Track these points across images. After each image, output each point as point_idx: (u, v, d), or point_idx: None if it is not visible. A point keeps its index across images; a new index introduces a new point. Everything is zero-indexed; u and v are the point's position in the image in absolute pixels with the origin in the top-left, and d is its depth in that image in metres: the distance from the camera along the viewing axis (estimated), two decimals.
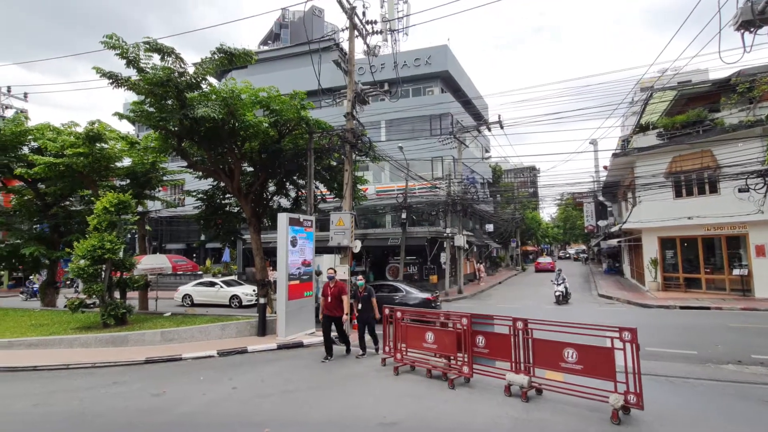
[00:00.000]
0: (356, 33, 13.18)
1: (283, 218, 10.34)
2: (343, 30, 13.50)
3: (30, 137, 15.05)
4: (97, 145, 13.69)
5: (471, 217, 30.03)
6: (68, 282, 26.13)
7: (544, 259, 43.82)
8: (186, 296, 19.35)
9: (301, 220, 11.02)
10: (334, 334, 8.72)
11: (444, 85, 29.63)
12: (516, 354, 5.99)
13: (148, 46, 9.90)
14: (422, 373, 7.15)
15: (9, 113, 17.51)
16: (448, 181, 23.06)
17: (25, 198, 16.68)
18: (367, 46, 13.98)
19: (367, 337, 9.08)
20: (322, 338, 10.12)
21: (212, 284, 19.51)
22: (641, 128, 20.95)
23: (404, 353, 7.39)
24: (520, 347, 5.98)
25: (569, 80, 32.00)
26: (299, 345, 9.71)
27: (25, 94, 18.53)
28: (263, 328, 10.31)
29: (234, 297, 18.77)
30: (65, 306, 10.92)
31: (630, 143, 22.53)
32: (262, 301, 10.70)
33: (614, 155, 21.93)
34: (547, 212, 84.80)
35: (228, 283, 19.60)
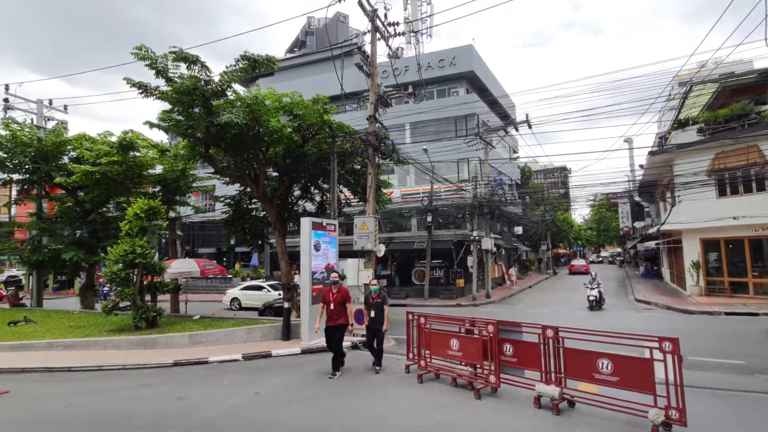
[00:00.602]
0: (378, 36, 13.12)
1: (306, 223, 10.35)
2: (365, 33, 13.49)
3: (69, 147, 15.83)
4: (130, 153, 14.21)
5: (499, 220, 29.35)
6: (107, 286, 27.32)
7: (578, 262, 44.08)
8: (234, 300, 19.61)
9: (324, 224, 11.00)
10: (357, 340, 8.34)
11: (469, 85, 29.18)
12: (546, 363, 5.67)
13: (174, 55, 10.18)
14: (447, 381, 6.91)
15: (50, 125, 18.49)
16: (474, 183, 22.61)
17: (66, 205, 17.55)
18: (390, 48, 13.90)
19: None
20: (346, 343, 10.06)
21: (259, 288, 19.64)
22: (680, 124, 19.86)
23: (428, 360, 7.17)
24: (551, 356, 5.66)
25: (601, 75, 30.89)
26: (323, 350, 9.60)
27: (65, 107, 19.56)
28: (287, 332, 10.33)
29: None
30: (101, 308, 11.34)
31: (668, 140, 21.39)
32: (286, 305, 10.73)
33: (651, 153, 20.89)
34: (580, 213, 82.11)
35: (274, 287, 19.68)
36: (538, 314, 16.15)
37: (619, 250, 71.86)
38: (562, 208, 45.83)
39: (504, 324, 6.31)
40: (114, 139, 14.82)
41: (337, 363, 7.61)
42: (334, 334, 7.54)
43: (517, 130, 21.74)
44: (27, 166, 15.82)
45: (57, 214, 17.85)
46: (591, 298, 16.90)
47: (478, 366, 6.50)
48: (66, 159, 16.51)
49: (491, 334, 6.20)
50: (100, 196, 16.41)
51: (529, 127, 20.59)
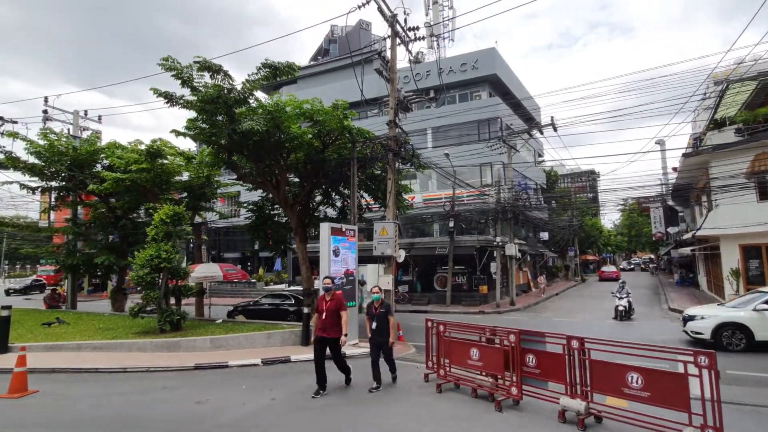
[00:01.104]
0: (398, 41, 13.10)
1: (325, 228, 10.36)
2: (384, 38, 13.48)
3: (102, 156, 16.50)
4: (158, 160, 14.68)
5: (523, 225, 28.66)
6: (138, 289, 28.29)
7: (608, 268, 44.04)
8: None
9: (344, 229, 10.98)
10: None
11: (492, 88, 28.79)
12: (571, 376, 5.40)
13: (198, 65, 10.44)
14: (467, 392, 6.70)
15: (86, 135, 19.36)
16: (497, 187, 22.20)
17: (99, 211, 18.26)
18: (410, 52, 13.85)
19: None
20: (365, 350, 9.96)
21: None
22: (716, 124, 18.91)
23: (448, 370, 6.98)
24: (576, 368, 5.38)
25: (630, 74, 29.86)
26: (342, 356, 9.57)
27: (100, 117, 20.47)
28: (307, 337, 10.31)
29: None
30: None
31: (703, 141, 20.40)
32: (306, 310, 10.74)
33: (685, 155, 19.95)
34: (609, 218, 79.41)
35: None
36: (565, 323, 15.60)
37: (652, 256, 69.00)
38: (591, 213, 44.44)
39: (526, 333, 6.06)
40: (143, 147, 15.35)
41: (323, 380, 6.80)
42: (326, 347, 6.78)
43: (541, 133, 21.23)
44: (63, 174, 16.57)
45: (91, 219, 18.61)
46: (620, 308, 16.05)
47: (499, 377, 6.27)
48: (99, 167, 17.21)
49: (513, 344, 5.97)
50: (130, 203, 17.00)
51: (555, 129, 20.09)
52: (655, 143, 26.06)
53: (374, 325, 7.08)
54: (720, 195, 17.35)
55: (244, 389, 7.20)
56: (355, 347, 10.29)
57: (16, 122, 19.80)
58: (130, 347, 9.80)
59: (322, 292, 7.08)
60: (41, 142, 15.72)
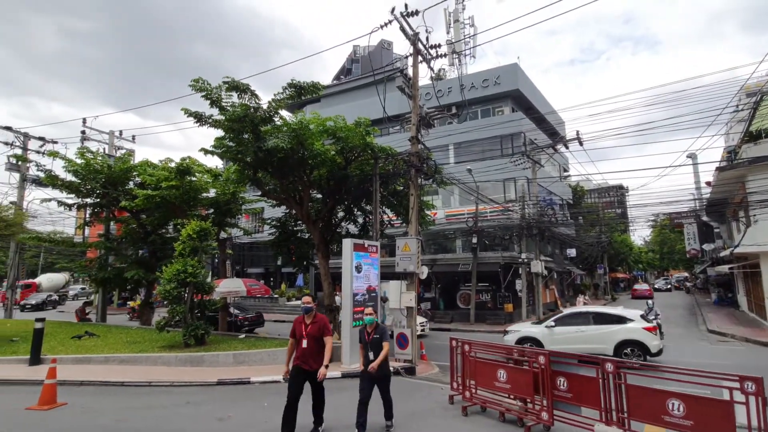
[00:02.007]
0: (420, 58, 13.23)
1: (347, 244, 10.35)
2: (407, 57, 13.62)
3: (135, 173, 17.15)
4: (187, 178, 15.13)
5: (549, 241, 27.95)
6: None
7: (641, 286, 43.41)
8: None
9: (366, 245, 10.95)
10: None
11: (515, 104, 28.63)
12: (606, 401, 5.10)
13: (227, 85, 10.80)
14: (494, 415, 6.42)
15: (120, 153, 20.24)
16: (522, 203, 21.80)
17: (130, 227, 18.90)
18: (432, 70, 13.93)
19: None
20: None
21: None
22: (752, 137, 18.14)
23: (473, 391, 6.73)
24: (611, 393, 5.08)
25: (657, 87, 29.12)
26: None
27: (133, 137, 21.43)
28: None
29: None
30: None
31: (738, 154, 19.55)
32: None
33: (719, 169, 19.15)
34: (639, 235, 76.66)
35: None
36: None
37: (686, 274, 65.91)
38: (619, 229, 43.00)
39: (557, 355, 5.80)
40: (173, 165, 15.89)
41: (290, 423, 5.39)
42: (305, 380, 5.53)
43: (567, 147, 20.82)
44: (98, 191, 17.29)
45: (122, 235, 19.27)
46: None
47: (529, 400, 5.98)
48: (131, 184, 17.89)
49: (543, 366, 5.71)
50: (159, 219, 17.53)
51: (581, 143, 19.67)
52: (687, 157, 25.17)
53: (370, 354, 5.77)
54: (759, 210, 16.48)
55: (266, 407, 7.13)
56: None
57: (56, 142, 20.97)
58: (155, 361, 9.93)
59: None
60: (78, 161, 16.49)
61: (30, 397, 7.27)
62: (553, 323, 12.12)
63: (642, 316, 12.34)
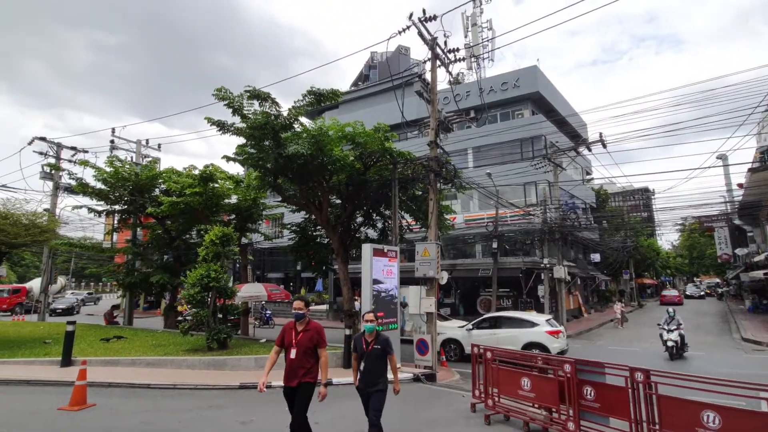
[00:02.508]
0: (438, 63, 13.21)
1: (367, 249, 10.36)
2: (425, 61, 13.63)
3: (160, 181, 17.67)
4: (210, 184, 15.49)
5: (572, 246, 27.33)
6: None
7: (670, 292, 42.43)
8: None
9: (385, 250, 10.94)
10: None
11: (535, 106, 28.24)
12: (636, 412, 4.91)
13: (249, 93, 11.03)
14: (518, 424, 6.27)
15: (146, 161, 20.90)
16: (543, 207, 21.41)
17: (156, 233, 19.45)
18: (450, 74, 13.89)
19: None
20: (407, 375, 9.70)
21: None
22: None
23: (496, 400, 6.60)
24: (641, 404, 4.89)
25: (684, 86, 28.27)
26: None
27: (159, 146, 22.12)
28: (348, 359, 10.21)
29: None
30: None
31: None
32: (347, 332, 10.67)
33: (752, 170, 18.41)
34: (667, 239, 74.11)
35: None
36: (624, 353, 14.49)
37: (717, 280, 63.24)
38: (646, 234, 41.67)
39: (583, 363, 5.63)
40: (196, 172, 16.30)
41: None
42: (294, 398, 4.77)
43: (589, 150, 20.37)
44: (126, 198, 17.88)
45: (148, 240, 19.83)
46: (669, 343, 13.01)
47: (554, 410, 5.83)
48: (157, 191, 18.44)
49: (568, 375, 5.55)
50: (183, 224, 17.99)
51: (604, 146, 19.22)
52: (717, 158, 24.25)
53: (362, 365, 4.82)
54: None
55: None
56: (397, 372, 10.03)
57: (87, 152, 21.81)
58: (180, 364, 10.13)
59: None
60: (108, 170, 17.11)
61: (61, 397, 7.51)
62: (471, 326, 13.66)
63: (547, 321, 12.64)
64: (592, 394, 5.40)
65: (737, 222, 29.52)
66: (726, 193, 29.11)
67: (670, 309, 14.20)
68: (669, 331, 13.22)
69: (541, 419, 6.00)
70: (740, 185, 23.94)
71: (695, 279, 72.54)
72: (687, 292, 50.22)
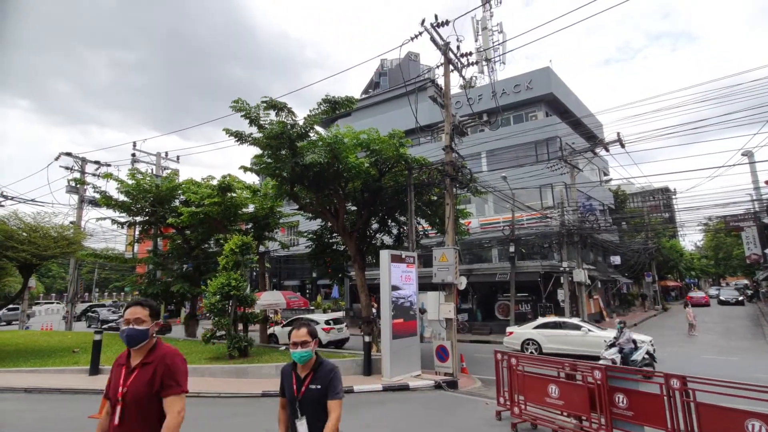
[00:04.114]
0: (451, 67, 13.20)
1: (385, 255, 10.32)
2: (438, 66, 13.63)
3: (179, 192, 18.00)
4: (228, 194, 15.71)
5: (592, 249, 26.78)
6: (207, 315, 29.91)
7: (696, 294, 40.74)
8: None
9: (403, 256, 10.88)
10: None
11: (549, 108, 27.93)
12: (673, 421, 4.73)
13: (265, 104, 11.18)
14: None
15: (166, 173, 21.36)
16: (561, 209, 21.06)
17: (176, 242, 19.78)
18: (463, 78, 13.86)
19: None
20: (428, 382, 9.60)
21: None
22: None
23: (523, 408, 6.45)
24: (678, 412, 4.71)
25: (703, 84, 27.62)
26: (405, 387, 9.28)
27: (178, 157, 22.62)
28: (369, 367, 10.16)
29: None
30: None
31: None
32: (366, 339, 10.63)
33: None
34: (690, 240, 72.07)
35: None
36: None
37: (746, 281, 61.07)
38: (667, 234, 40.57)
39: (614, 370, 5.47)
40: (215, 182, 16.56)
41: None
42: None
43: (607, 150, 20.01)
44: (147, 210, 18.27)
45: (169, 250, 20.18)
46: (603, 362, 9.01)
47: (584, 418, 5.66)
48: (177, 202, 18.78)
49: (599, 381, 5.39)
50: (203, 234, 18.26)
51: (622, 146, 18.87)
52: (742, 155, 23.50)
53: (300, 425, 2.77)
54: None
55: None
56: (418, 378, 9.94)
57: (109, 165, 22.44)
58: (202, 372, 10.22)
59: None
60: (130, 182, 17.52)
61: (91, 405, 7.62)
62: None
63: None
64: (625, 401, 5.23)
65: (766, 221, 28.48)
66: (753, 191, 28.18)
67: (620, 321, 11.73)
68: (620, 347, 10.63)
69: (572, 428, 5.83)
70: None
71: (721, 281, 70.22)
72: (722, 297, 39.71)
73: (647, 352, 10.82)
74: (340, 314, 29.12)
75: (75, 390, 9.12)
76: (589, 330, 14.05)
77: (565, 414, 5.99)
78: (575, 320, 15.08)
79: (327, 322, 16.05)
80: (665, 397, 4.78)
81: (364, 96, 41.66)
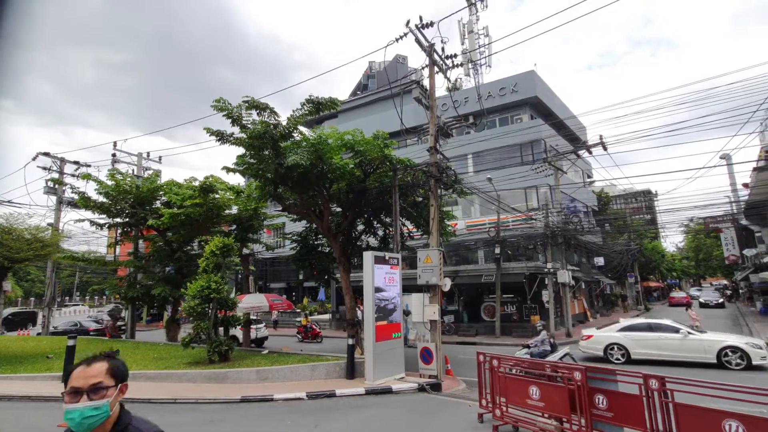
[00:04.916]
0: (436, 69, 13.19)
1: (368, 256, 10.21)
2: (423, 68, 13.60)
3: (161, 193, 17.61)
4: (210, 195, 15.41)
5: (576, 250, 27.08)
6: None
7: (678, 294, 42.82)
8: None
9: (387, 258, 10.78)
10: None
11: (533, 111, 28.21)
12: (652, 421, 4.71)
13: (247, 104, 10.99)
14: None
15: (147, 174, 20.88)
16: (545, 211, 21.24)
17: (158, 245, 19.34)
18: (448, 80, 13.85)
19: None
20: (412, 385, 9.50)
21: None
22: None
23: (504, 410, 6.39)
24: (657, 412, 4.70)
25: (682, 86, 28.15)
26: (388, 391, 9.16)
27: (160, 158, 22.16)
28: (352, 370, 10.02)
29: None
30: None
31: None
32: (350, 341, 10.48)
33: (757, 169, 18.22)
34: (671, 241, 73.51)
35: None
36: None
37: (725, 282, 62.58)
38: (649, 236, 41.28)
39: (594, 371, 5.44)
40: (197, 183, 16.24)
41: None
42: None
43: (590, 152, 20.26)
44: (127, 211, 17.82)
45: (150, 253, 19.72)
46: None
47: (565, 420, 5.62)
48: (158, 203, 18.37)
49: (579, 382, 5.36)
50: (185, 236, 17.87)
51: (605, 148, 19.12)
52: (720, 158, 24.03)
53: None
54: None
55: (290, 425, 6.98)
56: (401, 381, 9.84)
57: (89, 165, 21.85)
58: (180, 378, 9.96)
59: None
60: (109, 183, 17.07)
61: (61, 414, 7.35)
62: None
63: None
64: (605, 402, 5.21)
65: (744, 222, 29.21)
66: (731, 193, 28.88)
67: (540, 323, 12.95)
68: (541, 350, 10.28)
69: (552, 430, 5.79)
70: (745, 185, 23.72)
71: (702, 282, 71.80)
72: (702, 300, 37.45)
73: (569, 355, 9.85)
74: (326, 317, 28.85)
75: (45, 397, 8.78)
76: (689, 332, 12.44)
77: (546, 415, 5.95)
78: (669, 322, 13.31)
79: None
80: (644, 398, 4.77)
81: (351, 98, 41.56)
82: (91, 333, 21.95)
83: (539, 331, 11.30)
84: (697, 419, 4.37)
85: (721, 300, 37.27)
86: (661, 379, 4.67)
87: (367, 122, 27.22)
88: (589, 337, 13.95)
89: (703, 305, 35.82)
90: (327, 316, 28.87)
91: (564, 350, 10.34)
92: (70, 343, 10.15)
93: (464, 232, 24.85)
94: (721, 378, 6.27)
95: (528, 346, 10.74)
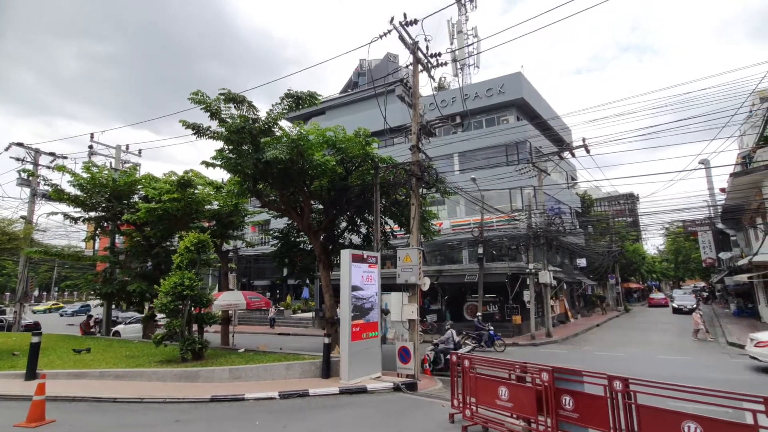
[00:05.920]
0: (420, 67, 13.11)
1: (345, 255, 10.10)
2: (407, 66, 13.51)
3: (139, 187, 17.19)
4: (189, 190, 15.09)
5: (558, 251, 27.36)
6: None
7: (657, 295, 43.76)
8: None
9: (365, 256, 10.68)
10: None
11: (519, 112, 28.40)
12: (615, 422, 4.71)
13: (224, 96, 10.76)
14: None
15: (126, 167, 20.38)
16: (528, 212, 21.38)
17: (135, 240, 18.89)
18: (432, 78, 13.78)
19: None
20: (387, 384, 9.43)
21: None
22: (767, 141, 17.60)
23: (474, 410, 6.36)
24: (620, 413, 4.70)
25: (665, 88, 28.71)
26: (362, 390, 9.07)
27: (140, 151, 21.63)
28: (327, 369, 9.90)
29: None
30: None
31: (753, 160, 18.98)
32: (327, 340, 10.36)
33: (734, 175, 18.61)
34: (652, 244, 74.98)
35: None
36: (609, 358, 14.38)
37: (702, 284, 64.11)
38: (630, 238, 42.00)
39: (561, 371, 5.42)
40: (175, 178, 15.89)
41: None
42: None
43: (573, 155, 20.46)
44: (103, 205, 17.35)
45: (127, 248, 19.26)
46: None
47: (532, 420, 5.60)
48: (136, 198, 17.93)
49: (546, 383, 5.34)
50: (163, 231, 17.47)
51: (587, 151, 19.30)
52: (699, 163, 24.51)
53: None
54: None
55: (258, 425, 6.84)
56: (377, 381, 9.76)
57: (66, 157, 21.23)
58: (150, 376, 9.71)
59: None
60: (84, 175, 16.59)
61: (21, 413, 7.06)
62: None
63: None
64: (571, 403, 5.20)
65: (720, 226, 29.91)
66: (709, 197, 29.53)
67: (448, 323, 14.86)
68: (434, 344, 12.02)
69: (520, 430, 5.77)
70: (722, 190, 24.26)
71: (681, 283, 73.39)
72: (676, 305, 33.82)
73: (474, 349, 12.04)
74: (309, 315, 28.59)
75: (7, 396, 8.47)
76: None
77: (514, 416, 5.93)
78: None
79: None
80: (608, 399, 4.77)
81: (338, 95, 41.24)
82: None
83: (446, 331, 13.34)
84: (658, 420, 4.37)
85: (694, 305, 32.22)
86: (624, 380, 4.67)
87: (355, 120, 27.00)
88: (765, 344, 11.45)
89: (676, 311, 32.52)
90: (310, 315, 28.66)
91: (468, 348, 12.63)
92: (35, 340, 9.82)
93: (449, 231, 24.90)
94: None
95: (436, 344, 12.69)
